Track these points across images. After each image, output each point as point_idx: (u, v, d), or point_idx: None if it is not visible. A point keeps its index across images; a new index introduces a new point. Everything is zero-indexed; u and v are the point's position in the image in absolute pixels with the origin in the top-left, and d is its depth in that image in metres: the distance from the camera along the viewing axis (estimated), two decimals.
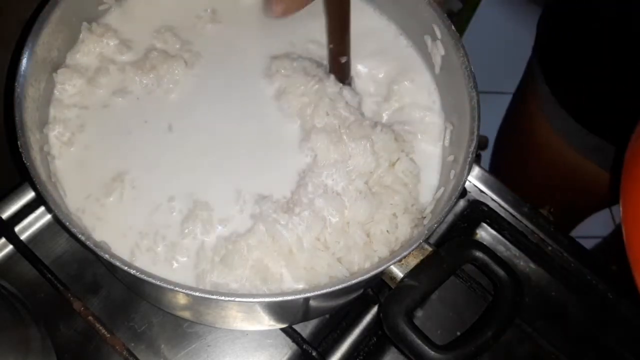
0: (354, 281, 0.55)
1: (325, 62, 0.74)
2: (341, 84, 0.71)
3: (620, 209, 0.58)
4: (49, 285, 0.70)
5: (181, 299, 0.62)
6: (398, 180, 0.67)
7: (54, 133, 0.66)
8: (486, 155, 1.04)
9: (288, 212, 0.62)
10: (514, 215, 0.83)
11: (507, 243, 0.83)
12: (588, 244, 1.06)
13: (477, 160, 0.83)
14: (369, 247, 0.63)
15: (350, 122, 0.68)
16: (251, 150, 0.68)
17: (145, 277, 0.53)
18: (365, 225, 0.64)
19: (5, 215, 0.76)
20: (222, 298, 0.53)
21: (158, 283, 0.53)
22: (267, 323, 0.69)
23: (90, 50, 0.71)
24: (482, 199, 0.84)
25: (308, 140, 0.67)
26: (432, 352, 0.57)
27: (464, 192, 0.84)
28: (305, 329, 0.74)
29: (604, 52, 0.87)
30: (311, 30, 0.77)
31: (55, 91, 0.68)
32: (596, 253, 1.23)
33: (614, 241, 1.25)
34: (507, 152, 1.25)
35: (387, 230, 0.63)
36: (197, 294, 0.53)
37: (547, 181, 1.10)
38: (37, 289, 0.72)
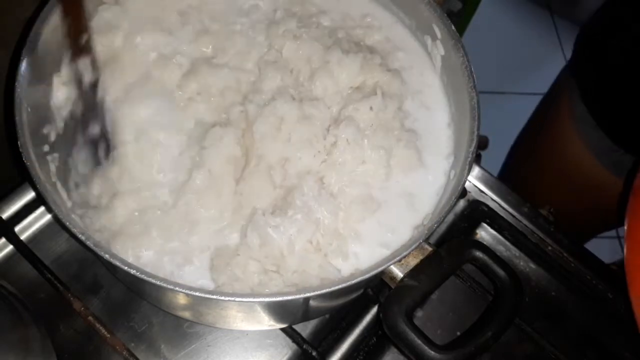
0: (354, 281, 0.55)
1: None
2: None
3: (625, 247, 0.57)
4: (49, 285, 0.70)
5: (181, 299, 0.62)
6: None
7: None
8: (487, 155, 1.04)
9: (281, 215, 0.62)
10: (514, 215, 0.83)
11: (507, 243, 0.83)
12: (589, 244, 1.06)
13: (477, 160, 0.83)
14: None
15: (377, 126, 0.67)
16: None
17: (145, 277, 0.52)
18: None
19: (5, 215, 0.76)
20: (222, 298, 0.53)
21: (158, 283, 0.53)
22: (267, 323, 0.69)
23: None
24: (482, 199, 0.84)
25: (336, 127, 0.66)
26: (432, 352, 0.57)
27: (464, 192, 0.84)
28: (305, 329, 0.74)
29: None
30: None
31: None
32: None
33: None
34: (527, 164, 1.23)
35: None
36: (197, 294, 0.53)
37: (571, 195, 1.08)
38: (37, 289, 0.72)
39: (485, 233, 0.84)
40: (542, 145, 1.14)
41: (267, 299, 0.55)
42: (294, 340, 0.71)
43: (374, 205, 0.64)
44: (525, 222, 0.83)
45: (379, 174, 0.66)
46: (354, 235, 0.63)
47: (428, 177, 0.69)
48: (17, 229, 0.75)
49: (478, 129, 0.64)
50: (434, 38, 0.73)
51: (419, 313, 0.77)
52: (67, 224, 0.54)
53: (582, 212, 1.06)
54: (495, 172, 0.87)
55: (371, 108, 0.67)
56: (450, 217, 0.84)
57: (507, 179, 1.20)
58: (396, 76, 0.72)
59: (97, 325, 0.68)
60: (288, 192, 0.64)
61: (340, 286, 0.54)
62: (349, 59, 0.70)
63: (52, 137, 0.66)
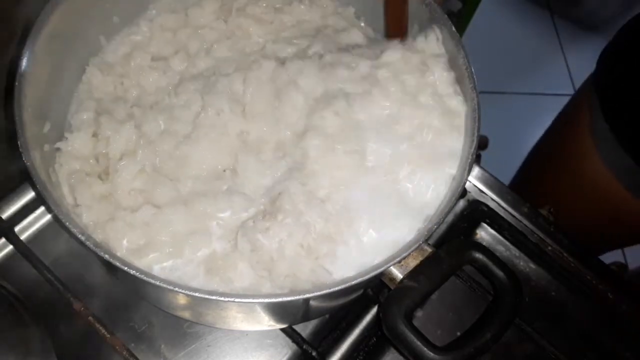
0: (353, 282, 0.55)
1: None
2: None
3: None
4: (49, 285, 0.70)
5: (181, 300, 0.62)
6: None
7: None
8: (487, 155, 1.04)
9: (270, 220, 0.61)
10: (514, 215, 0.83)
11: (507, 243, 0.83)
12: None
13: (477, 160, 0.83)
14: None
15: (348, 130, 0.66)
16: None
17: (145, 278, 0.53)
18: None
19: (5, 215, 0.76)
20: (222, 299, 0.53)
21: (158, 283, 0.53)
22: (267, 323, 0.69)
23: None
24: (482, 199, 0.84)
25: (302, 138, 0.66)
26: (431, 353, 0.57)
27: (464, 192, 0.84)
28: (305, 329, 0.74)
29: None
30: None
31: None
32: None
33: None
34: (543, 178, 1.21)
35: None
36: (197, 294, 0.53)
37: (587, 213, 1.07)
38: (37, 289, 0.72)
39: (485, 233, 0.84)
40: (560, 160, 1.13)
41: (267, 300, 0.55)
42: (294, 340, 0.71)
43: (364, 207, 0.64)
44: (525, 222, 0.83)
45: (358, 177, 0.65)
46: (346, 238, 0.63)
47: (416, 177, 0.67)
48: (17, 229, 0.75)
49: (478, 130, 0.64)
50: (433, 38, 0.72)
51: (419, 313, 0.77)
52: (67, 224, 0.54)
53: (597, 229, 1.05)
54: (495, 172, 0.87)
55: (337, 113, 0.66)
56: (450, 218, 0.84)
57: (521, 191, 1.18)
58: (361, 76, 0.70)
59: (97, 325, 0.68)
60: (277, 197, 0.64)
61: (340, 287, 0.54)
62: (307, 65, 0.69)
63: (53, 137, 0.66)
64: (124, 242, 0.62)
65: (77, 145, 0.66)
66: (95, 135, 0.67)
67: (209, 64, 0.73)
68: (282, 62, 0.71)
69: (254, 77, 0.69)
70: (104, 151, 0.66)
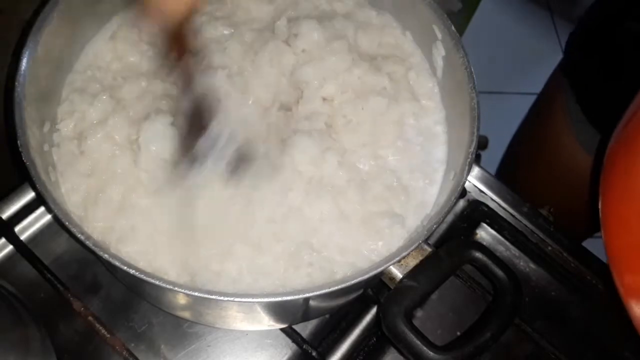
0: (353, 281, 0.55)
1: None
2: None
3: (600, 209, 0.57)
4: (49, 285, 0.70)
5: (181, 299, 0.62)
6: None
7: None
8: (487, 155, 1.04)
9: None
10: (514, 215, 0.83)
11: (507, 243, 0.83)
12: (588, 244, 1.06)
13: (477, 160, 0.83)
14: None
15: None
16: None
17: (145, 277, 0.53)
18: None
19: (5, 215, 0.76)
20: (222, 298, 0.53)
21: (158, 283, 0.53)
22: (267, 323, 0.69)
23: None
24: (482, 199, 0.84)
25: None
26: (431, 353, 0.57)
27: (464, 192, 0.84)
28: (305, 329, 0.74)
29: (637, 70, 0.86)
30: None
31: None
32: None
33: None
34: (523, 164, 1.23)
35: None
36: (196, 294, 0.53)
37: (567, 194, 1.08)
38: (37, 289, 0.72)
39: (485, 233, 0.84)
40: (537, 144, 1.15)
41: (267, 299, 0.55)
42: (294, 340, 0.71)
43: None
44: (525, 222, 0.83)
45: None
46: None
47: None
48: (17, 229, 0.75)
49: (478, 130, 0.64)
50: (434, 39, 0.72)
51: (419, 313, 0.77)
52: (67, 224, 0.54)
53: (578, 210, 1.06)
54: (495, 173, 0.87)
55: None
56: (450, 218, 0.84)
57: (503, 180, 1.19)
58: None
59: (97, 325, 0.68)
60: None
61: (339, 286, 0.54)
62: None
63: (53, 137, 0.66)
64: None
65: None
66: None
67: None
68: None
69: None
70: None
